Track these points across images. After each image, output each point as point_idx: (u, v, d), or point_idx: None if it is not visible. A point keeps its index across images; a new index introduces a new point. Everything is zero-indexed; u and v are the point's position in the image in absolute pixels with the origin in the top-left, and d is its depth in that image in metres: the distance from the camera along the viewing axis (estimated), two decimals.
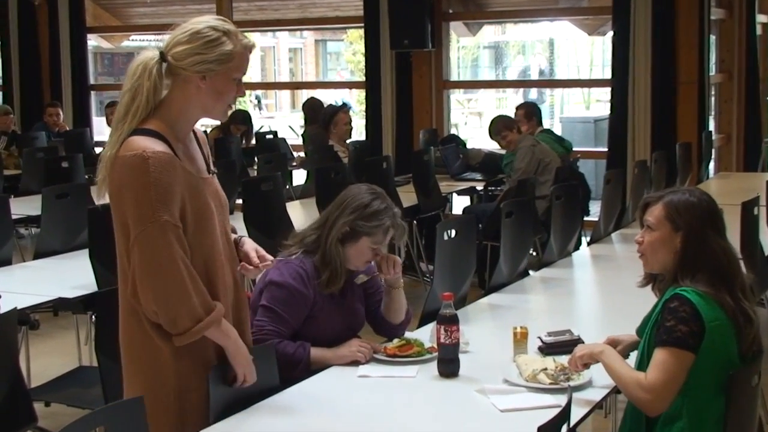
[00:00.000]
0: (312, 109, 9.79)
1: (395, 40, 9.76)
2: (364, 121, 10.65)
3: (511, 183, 7.43)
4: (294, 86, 21.43)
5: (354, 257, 3.43)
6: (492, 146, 9.25)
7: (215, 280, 2.77)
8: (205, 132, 9.36)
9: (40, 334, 6.29)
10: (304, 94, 15.40)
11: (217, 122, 9.59)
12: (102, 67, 23.30)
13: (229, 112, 3.00)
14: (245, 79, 2.82)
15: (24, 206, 6.71)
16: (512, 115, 8.04)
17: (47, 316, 6.44)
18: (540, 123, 8.24)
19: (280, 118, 20.01)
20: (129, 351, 2.78)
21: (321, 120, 8.82)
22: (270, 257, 2.99)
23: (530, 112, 8.15)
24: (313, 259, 3.42)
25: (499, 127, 7.65)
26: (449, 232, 4.08)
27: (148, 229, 2.59)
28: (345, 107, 8.93)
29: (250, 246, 2.95)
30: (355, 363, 3.31)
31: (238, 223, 5.53)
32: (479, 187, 8.38)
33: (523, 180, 6.84)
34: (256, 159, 8.42)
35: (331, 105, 9.32)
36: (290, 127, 10.55)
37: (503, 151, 8.15)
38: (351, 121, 8.77)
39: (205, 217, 2.74)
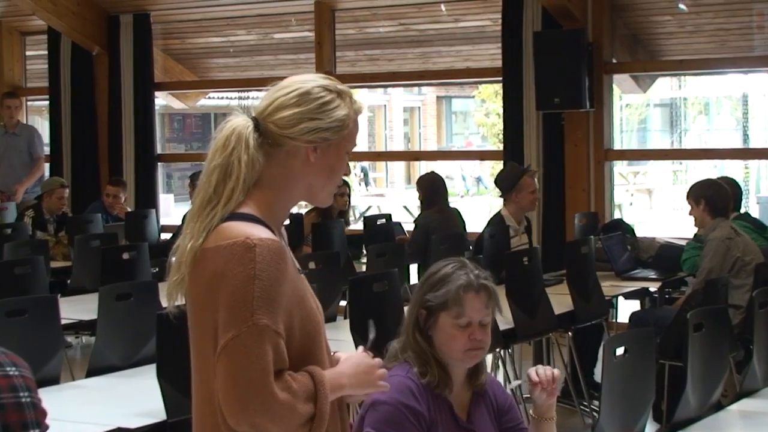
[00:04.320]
0: (431, 186, 9.40)
1: (543, 98, 9.78)
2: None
3: (695, 285, 7.28)
4: (410, 156, 21.61)
5: (444, 344, 3.44)
6: (669, 233, 9.13)
7: None
8: (300, 215, 9.36)
9: None
10: (423, 167, 15.53)
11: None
12: (170, 131, 23.82)
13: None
14: None
15: (75, 308, 6.80)
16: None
17: None
18: (738, 207, 8.07)
19: (393, 196, 20.20)
20: None
21: (503, 187, 8.51)
22: None
23: (717, 198, 7.32)
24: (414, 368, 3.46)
25: (690, 192, 7.43)
26: (619, 349, 4.01)
27: (243, 335, 2.51)
28: (531, 170, 8.56)
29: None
30: None
31: (343, 332, 5.55)
32: (653, 288, 8.28)
33: (713, 280, 6.71)
34: (365, 250, 8.46)
35: (514, 165, 8.84)
36: (406, 208, 10.62)
37: (684, 242, 8.02)
38: (537, 189, 8.53)
39: (314, 328, 2.70)
